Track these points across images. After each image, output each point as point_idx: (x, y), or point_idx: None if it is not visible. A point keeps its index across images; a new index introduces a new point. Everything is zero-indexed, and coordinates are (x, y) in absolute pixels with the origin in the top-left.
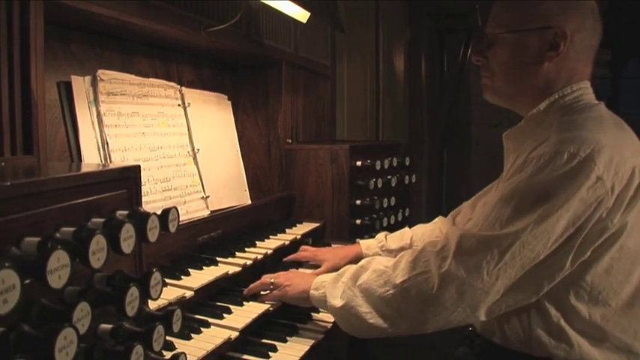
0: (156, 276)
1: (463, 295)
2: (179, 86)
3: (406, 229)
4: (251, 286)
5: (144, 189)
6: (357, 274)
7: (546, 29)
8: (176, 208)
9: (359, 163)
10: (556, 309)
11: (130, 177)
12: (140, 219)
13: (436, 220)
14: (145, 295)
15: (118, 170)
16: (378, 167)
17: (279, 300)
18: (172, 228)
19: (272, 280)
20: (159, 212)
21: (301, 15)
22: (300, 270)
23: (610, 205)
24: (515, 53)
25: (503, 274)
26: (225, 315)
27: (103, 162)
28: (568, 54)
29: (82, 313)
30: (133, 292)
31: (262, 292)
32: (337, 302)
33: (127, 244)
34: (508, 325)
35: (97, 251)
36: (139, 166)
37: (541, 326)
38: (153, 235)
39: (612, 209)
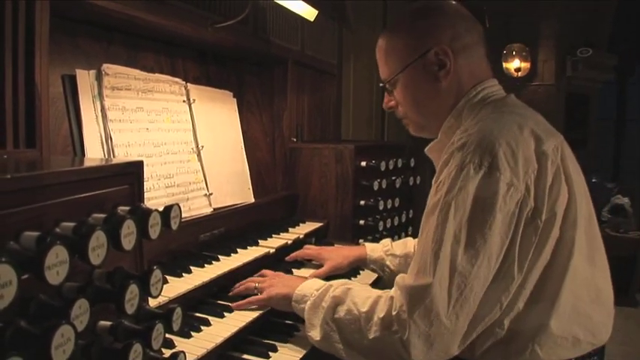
0: (156, 273)
1: (432, 345)
2: (184, 82)
3: (409, 238)
4: (236, 285)
5: (147, 185)
6: (336, 303)
7: (426, 54)
8: (178, 205)
9: (364, 164)
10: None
11: (133, 172)
12: (142, 215)
13: None
14: (145, 293)
15: (121, 165)
16: (382, 168)
17: (264, 304)
18: (174, 225)
19: (256, 285)
20: (161, 209)
21: (309, 13)
22: (302, 270)
23: (532, 204)
24: (413, 87)
25: (461, 311)
26: (226, 314)
27: (107, 157)
28: (458, 64)
29: (81, 310)
30: (133, 289)
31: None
32: (316, 335)
33: (128, 241)
34: None
35: (97, 247)
36: (141, 162)
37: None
38: (154, 232)
39: (536, 207)
